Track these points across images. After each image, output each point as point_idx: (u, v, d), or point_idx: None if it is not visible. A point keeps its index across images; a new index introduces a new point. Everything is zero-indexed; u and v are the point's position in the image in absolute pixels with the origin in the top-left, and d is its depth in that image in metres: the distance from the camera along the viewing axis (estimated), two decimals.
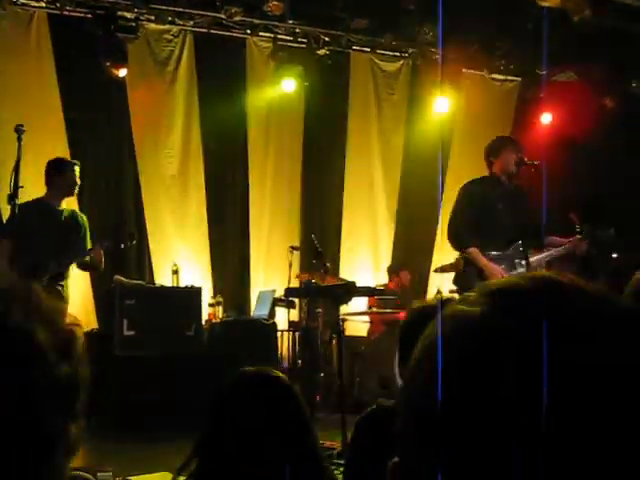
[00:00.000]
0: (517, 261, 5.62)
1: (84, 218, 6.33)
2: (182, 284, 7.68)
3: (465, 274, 5.68)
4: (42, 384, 0.74)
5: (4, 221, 5.27)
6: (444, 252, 8.71)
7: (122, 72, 7.99)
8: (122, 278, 7.13)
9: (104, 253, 6.14)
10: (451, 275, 7.31)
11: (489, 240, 5.65)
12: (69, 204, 6.57)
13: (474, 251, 5.56)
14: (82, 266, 6.27)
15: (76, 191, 6.31)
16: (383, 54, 9.51)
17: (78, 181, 6.21)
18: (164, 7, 8.29)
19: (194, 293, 7.23)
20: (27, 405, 0.73)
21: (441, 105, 9.02)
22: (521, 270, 5.60)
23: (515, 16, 8.89)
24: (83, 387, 0.81)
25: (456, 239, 5.69)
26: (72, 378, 0.78)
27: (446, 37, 9.04)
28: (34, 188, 6.11)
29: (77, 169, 6.20)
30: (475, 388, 0.59)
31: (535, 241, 5.68)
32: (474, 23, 9.00)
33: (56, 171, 6.17)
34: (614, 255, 5.99)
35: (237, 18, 8.55)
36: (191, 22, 8.57)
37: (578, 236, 5.62)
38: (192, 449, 1.78)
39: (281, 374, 1.90)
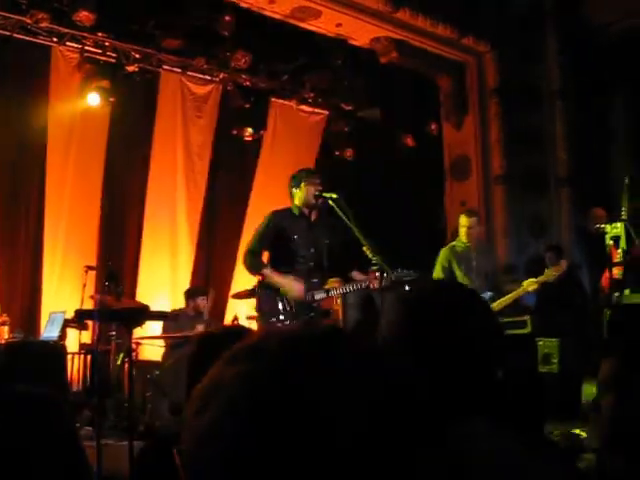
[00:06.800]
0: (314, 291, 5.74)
1: None
2: None
3: (262, 299, 5.76)
4: None
5: None
6: (242, 279, 8.80)
7: None
8: None
9: None
10: (247, 301, 7.40)
11: (285, 269, 5.76)
12: None
13: (267, 271, 5.69)
14: None
15: None
16: (194, 76, 9.45)
17: None
18: None
19: None
20: None
21: (248, 132, 9.11)
22: (320, 296, 5.71)
23: (326, 51, 9.16)
24: None
25: (247, 264, 5.80)
26: None
27: (257, 65, 9.18)
28: None
29: None
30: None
31: (336, 273, 5.84)
32: (285, 54, 9.22)
33: None
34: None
35: (44, 24, 8.19)
36: None
37: (375, 273, 5.72)
38: None
39: (52, 393, 1.82)
